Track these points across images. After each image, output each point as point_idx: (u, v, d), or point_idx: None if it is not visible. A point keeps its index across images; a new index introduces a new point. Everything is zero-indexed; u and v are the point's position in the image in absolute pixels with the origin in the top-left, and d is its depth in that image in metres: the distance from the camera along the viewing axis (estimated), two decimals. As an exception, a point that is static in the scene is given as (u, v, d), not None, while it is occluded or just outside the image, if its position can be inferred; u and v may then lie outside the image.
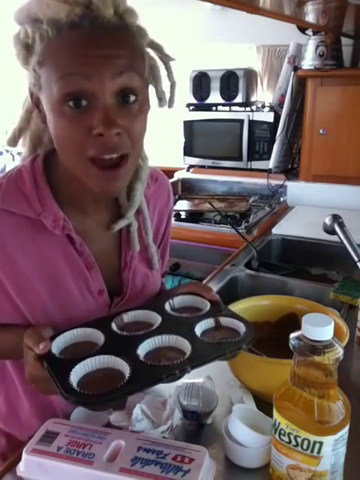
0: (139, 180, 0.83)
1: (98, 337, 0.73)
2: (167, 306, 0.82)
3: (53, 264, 0.77)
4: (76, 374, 0.65)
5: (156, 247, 0.92)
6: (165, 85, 0.77)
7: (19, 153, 0.86)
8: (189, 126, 2.51)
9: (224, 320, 0.78)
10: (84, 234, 0.79)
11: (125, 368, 0.66)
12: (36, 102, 0.72)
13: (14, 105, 0.83)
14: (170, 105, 0.78)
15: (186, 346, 0.71)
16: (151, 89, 0.76)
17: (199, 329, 0.75)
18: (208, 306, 0.82)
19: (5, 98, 2.83)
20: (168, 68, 0.76)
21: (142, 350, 0.70)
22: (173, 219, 2.15)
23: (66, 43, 0.64)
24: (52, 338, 0.70)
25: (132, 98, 0.67)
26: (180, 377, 0.66)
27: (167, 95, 0.77)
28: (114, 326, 0.76)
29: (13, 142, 0.81)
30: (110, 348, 0.70)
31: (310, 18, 1.52)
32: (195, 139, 2.53)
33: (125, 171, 0.71)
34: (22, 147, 0.84)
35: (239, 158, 2.42)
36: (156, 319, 0.78)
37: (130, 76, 0.66)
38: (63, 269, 0.77)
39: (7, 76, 2.75)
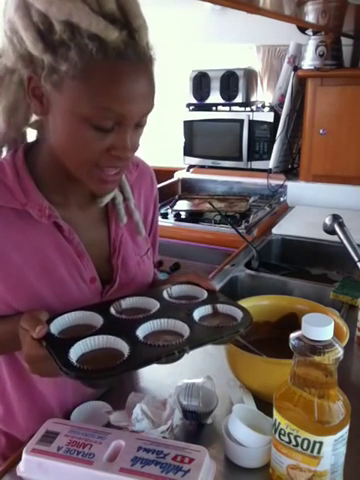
0: None
1: (97, 320, 0.73)
2: (165, 294, 0.82)
3: (44, 254, 0.77)
4: (75, 352, 0.65)
5: (146, 235, 0.94)
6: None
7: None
8: (189, 126, 2.51)
9: (221, 307, 0.79)
10: (71, 223, 0.79)
11: (124, 348, 0.66)
12: (35, 91, 0.69)
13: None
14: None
15: (184, 329, 0.71)
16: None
17: (197, 315, 0.76)
18: (205, 294, 0.82)
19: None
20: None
21: (141, 332, 0.70)
22: (173, 219, 2.16)
23: (111, 72, 0.64)
24: (50, 320, 0.70)
25: (144, 123, 0.72)
26: (179, 358, 0.67)
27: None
28: (113, 310, 0.76)
29: None
30: (109, 330, 0.70)
31: (310, 18, 1.52)
32: (195, 139, 2.53)
33: (122, 173, 0.76)
34: None
35: (239, 158, 2.42)
36: (154, 305, 0.78)
37: (151, 109, 0.71)
38: (54, 258, 0.78)
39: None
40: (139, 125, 0.71)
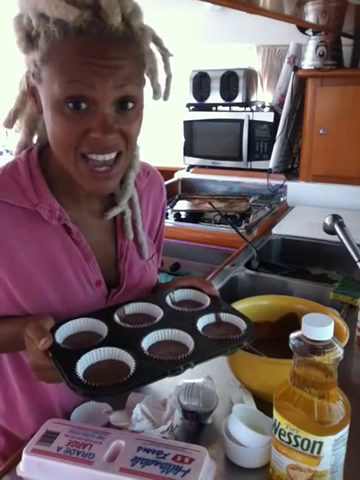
0: (132, 168, 0.85)
1: (101, 328, 0.73)
2: (168, 299, 0.83)
3: (51, 255, 0.77)
4: (82, 365, 0.65)
5: (152, 241, 0.94)
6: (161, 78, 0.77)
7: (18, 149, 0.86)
8: (189, 126, 2.51)
9: (225, 316, 0.79)
10: (80, 225, 0.80)
11: (130, 361, 0.67)
12: (32, 91, 0.73)
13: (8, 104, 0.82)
14: (165, 98, 0.78)
15: (189, 341, 0.72)
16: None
17: (200, 324, 0.76)
18: (208, 301, 0.83)
19: (4, 100, 2.83)
20: (165, 60, 0.77)
21: (146, 343, 0.71)
22: (173, 219, 2.16)
23: (73, 48, 0.65)
24: (55, 328, 0.71)
25: (130, 105, 0.70)
26: (183, 371, 0.67)
27: (163, 88, 0.77)
28: (116, 317, 0.76)
29: (8, 124, 0.82)
30: (114, 340, 0.71)
31: (310, 18, 1.52)
32: (195, 139, 2.53)
33: (117, 171, 0.73)
34: (17, 131, 0.83)
35: (239, 158, 2.42)
36: (158, 312, 0.79)
37: (132, 86, 0.68)
38: (62, 259, 0.78)
39: (6, 78, 2.75)
40: (124, 107, 0.69)
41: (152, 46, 0.74)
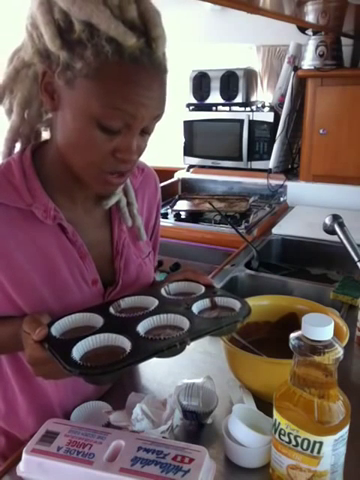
0: None
1: (97, 321, 0.73)
2: (163, 291, 0.83)
3: (47, 254, 0.77)
4: (78, 351, 0.65)
5: (148, 239, 0.94)
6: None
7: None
8: (189, 126, 2.51)
9: (219, 299, 0.79)
10: (75, 224, 0.80)
11: (126, 344, 0.67)
12: (47, 86, 0.69)
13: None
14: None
15: (184, 323, 0.71)
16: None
17: (196, 309, 0.76)
18: (203, 289, 0.83)
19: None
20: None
21: (142, 328, 0.71)
22: (173, 219, 2.16)
23: (124, 75, 0.64)
24: (50, 323, 0.71)
25: (151, 130, 0.73)
26: (181, 350, 0.67)
27: None
28: (112, 310, 0.77)
29: None
30: (109, 328, 0.71)
31: (310, 18, 1.52)
32: (195, 139, 2.53)
33: (126, 177, 0.76)
34: (6, 111, 0.80)
35: (239, 158, 2.42)
36: (153, 303, 0.78)
37: (160, 117, 0.71)
38: (57, 259, 0.78)
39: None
40: (146, 132, 0.71)
41: None
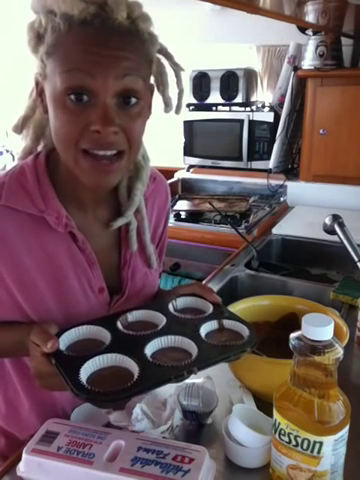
0: (140, 180, 0.85)
1: (104, 335, 0.73)
2: (170, 307, 0.83)
3: (56, 261, 0.77)
4: (85, 371, 0.65)
5: (154, 247, 0.93)
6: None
7: (15, 155, 0.87)
8: (189, 126, 2.51)
9: (227, 323, 0.79)
10: (84, 231, 0.79)
11: (133, 367, 0.67)
12: (40, 91, 0.73)
13: (13, 107, 0.83)
14: (177, 111, 0.80)
15: (192, 347, 0.72)
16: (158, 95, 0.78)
17: (203, 331, 0.77)
18: (210, 308, 0.83)
19: (5, 99, 2.83)
20: (178, 76, 0.78)
21: (149, 350, 0.71)
22: (173, 219, 2.16)
23: (76, 39, 0.65)
24: (57, 335, 0.71)
25: (133, 100, 0.69)
26: (187, 377, 0.67)
27: (174, 101, 0.79)
28: (119, 325, 0.76)
29: (17, 129, 0.83)
30: (117, 347, 0.71)
31: (310, 18, 1.52)
32: (195, 139, 2.53)
33: (118, 167, 0.72)
34: (23, 139, 0.84)
35: (239, 158, 2.42)
36: (160, 319, 0.79)
37: (134, 79, 0.68)
38: (65, 266, 0.78)
39: (7, 77, 2.75)
40: (127, 102, 0.68)
41: (163, 60, 0.76)
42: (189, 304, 0.85)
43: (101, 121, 0.66)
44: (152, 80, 0.76)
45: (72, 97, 0.66)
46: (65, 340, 0.71)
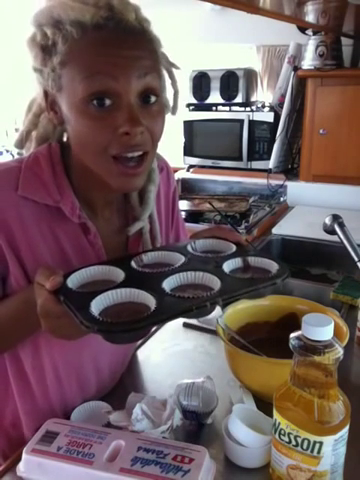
0: (152, 182, 0.86)
1: (117, 275, 0.67)
2: (189, 248, 0.76)
3: (66, 254, 0.77)
4: (96, 306, 0.59)
5: (169, 231, 0.94)
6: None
7: (19, 153, 0.87)
8: (189, 126, 2.51)
9: (253, 259, 0.72)
10: (95, 229, 0.80)
11: (150, 301, 0.60)
12: (51, 104, 0.72)
13: (13, 107, 0.84)
14: (173, 112, 0.81)
15: (215, 282, 0.64)
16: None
17: (226, 268, 0.69)
18: (234, 248, 0.75)
19: (4, 100, 2.83)
20: (172, 77, 0.79)
21: (167, 285, 0.64)
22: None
23: (92, 43, 0.65)
24: (67, 275, 0.65)
25: (153, 99, 0.69)
26: (211, 311, 0.60)
27: (171, 103, 0.80)
28: (134, 265, 0.71)
29: (20, 144, 0.83)
30: (131, 284, 0.64)
31: (310, 18, 1.52)
32: (195, 139, 2.53)
33: (144, 169, 0.72)
34: (26, 151, 0.84)
35: (239, 158, 2.42)
36: (179, 259, 0.72)
37: (153, 77, 0.69)
38: (74, 260, 0.78)
39: (7, 79, 2.75)
40: (147, 101, 0.69)
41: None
42: (209, 246, 0.77)
43: (129, 122, 0.66)
44: None
45: (94, 103, 0.65)
46: (74, 280, 0.65)
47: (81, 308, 0.58)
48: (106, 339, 0.57)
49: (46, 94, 0.72)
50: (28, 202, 0.73)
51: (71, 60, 0.66)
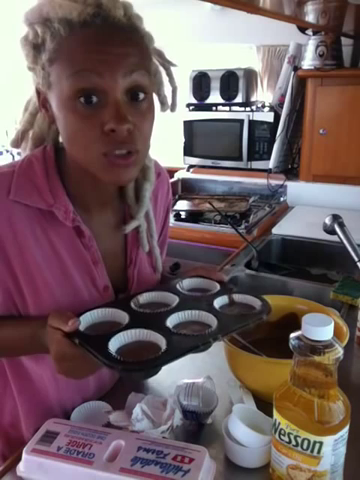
0: (147, 181, 0.86)
1: (121, 316, 0.73)
2: (178, 287, 0.84)
3: (61, 257, 0.77)
4: (113, 346, 0.65)
5: (158, 240, 0.94)
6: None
7: (19, 153, 0.87)
8: (189, 126, 2.51)
9: (237, 297, 0.81)
10: (90, 231, 0.80)
11: (159, 339, 0.67)
12: (43, 102, 0.73)
13: (13, 106, 0.84)
14: (172, 109, 0.80)
15: (211, 319, 0.73)
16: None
17: (216, 305, 0.78)
18: (218, 286, 0.84)
19: (4, 100, 2.83)
20: (169, 73, 0.79)
21: (170, 323, 0.72)
22: (173, 219, 2.16)
23: (79, 40, 0.65)
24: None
25: (141, 96, 0.69)
26: (210, 345, 0.69)
27: (169, 100, 0.79)
28: (133, 306, 0.77)
29: (16, 144, 0.84)
30: (137, 324, 0.71)
31: (310, 18, 1.52)
32: (195, 139, 2.53)
33: (134, 163, 0.71)
34: (23, 151, 0.84)
35: (239, 158, 2.42)
36: (172, 299, 0.79)
37: (141, 74, 0.68)
38: (70, 263, 0.78)
39: (6, 79, 2.76)
40: (135, 99, 0.68)
41: (155, 60, 0.76)
42: (195, 285, 0.85)
43: (115, 119, 0.66)
44: None
45: (81, 100, 0.65)
46: (83, 323, 0.70)
47: (99, 349, 0.64)
48: (126, 377, 0.67)
49: (38, 92, 0.73)
50: (20, 206, 0.73)
51: (59, 58, 0.66)
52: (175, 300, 0.79)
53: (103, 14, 0.65)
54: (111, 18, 0.66)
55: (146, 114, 0.70)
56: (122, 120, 0.66)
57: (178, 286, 0.84)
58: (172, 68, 0.79)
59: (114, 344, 0.66)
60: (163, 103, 0.79)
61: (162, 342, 0.66)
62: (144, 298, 0.80)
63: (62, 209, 0.75)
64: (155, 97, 0.76)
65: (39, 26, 0.67)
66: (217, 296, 0.80)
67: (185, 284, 0.85)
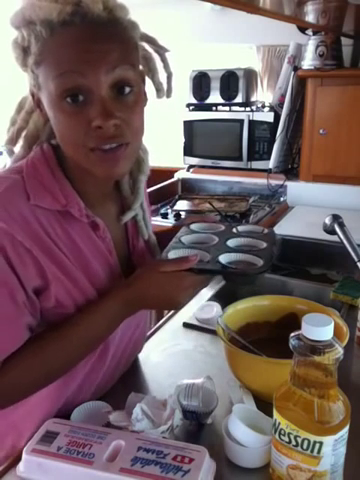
0: (142, 173, 0.89)
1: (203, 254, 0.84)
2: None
3: (84, 253, 0.78)
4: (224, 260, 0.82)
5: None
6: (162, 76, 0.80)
7: (8, 151, 0.88)
8: (189, 126, 2.51)
9: (241, 228, 0.97)
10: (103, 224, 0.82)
11: (257, 260, 0.83)
12: (37, 102, 0.74)
13: (12, 106, 0.84)
14: (168, 95, 0.81)
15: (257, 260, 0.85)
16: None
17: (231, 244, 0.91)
18: (222, 226, 0.97)
19: (4, 100, 2.82)
20: (164, 59, 0.79)
21: (223, 260, 0.83)
22: (173, 219, 2.16)
23: (60, 42, 0.66)
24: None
25: (127, 90, 0.70)
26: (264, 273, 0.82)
27: (165, 86, 0.80)
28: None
29: (12, 142, 0.84)
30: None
31: (310, 18, 1.52)
32: (195, 139, 2.53)
33: (125, 156, 0.72)
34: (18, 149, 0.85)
35: (239, 158, 2.42)
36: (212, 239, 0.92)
37: (124, 69, 0.68)
38: (91, 257, 0.79)
39: (5, 78, 2.75)
40: (121, 92, 0.69)
41: (147, 47, 0.77)
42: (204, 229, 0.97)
43: (101, 115, 0.67)
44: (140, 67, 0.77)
45: (68, 100, 0.67)
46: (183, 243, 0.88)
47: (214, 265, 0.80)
48: (236, 281, 0.96)
49: (32, 93, 0.74)
50: (41, 209, 0.74)
51: (44, 60, 0.67)
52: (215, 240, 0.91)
53: (81, 12, 0.65)
54: (90, 14, 0.66)
55: (134, 107, 0.71)
56: (108, 116, 0.67)
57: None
58: (170, 62, 0.79)
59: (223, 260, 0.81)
60: (159, 90, 0.80)
61: (259, 262, 0.82)
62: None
63: (76, 207, 0.76)
64: (151, 84, 0.77)
65: (25, 29, 0.68)
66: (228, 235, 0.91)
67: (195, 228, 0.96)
